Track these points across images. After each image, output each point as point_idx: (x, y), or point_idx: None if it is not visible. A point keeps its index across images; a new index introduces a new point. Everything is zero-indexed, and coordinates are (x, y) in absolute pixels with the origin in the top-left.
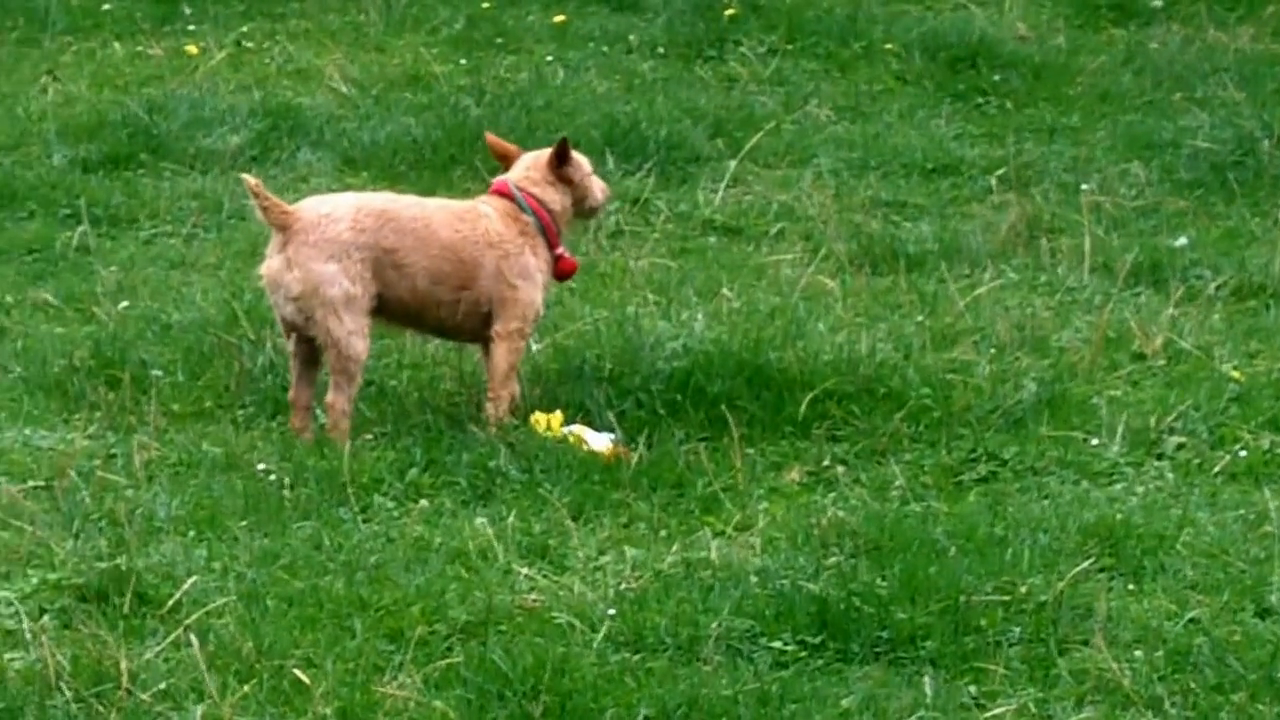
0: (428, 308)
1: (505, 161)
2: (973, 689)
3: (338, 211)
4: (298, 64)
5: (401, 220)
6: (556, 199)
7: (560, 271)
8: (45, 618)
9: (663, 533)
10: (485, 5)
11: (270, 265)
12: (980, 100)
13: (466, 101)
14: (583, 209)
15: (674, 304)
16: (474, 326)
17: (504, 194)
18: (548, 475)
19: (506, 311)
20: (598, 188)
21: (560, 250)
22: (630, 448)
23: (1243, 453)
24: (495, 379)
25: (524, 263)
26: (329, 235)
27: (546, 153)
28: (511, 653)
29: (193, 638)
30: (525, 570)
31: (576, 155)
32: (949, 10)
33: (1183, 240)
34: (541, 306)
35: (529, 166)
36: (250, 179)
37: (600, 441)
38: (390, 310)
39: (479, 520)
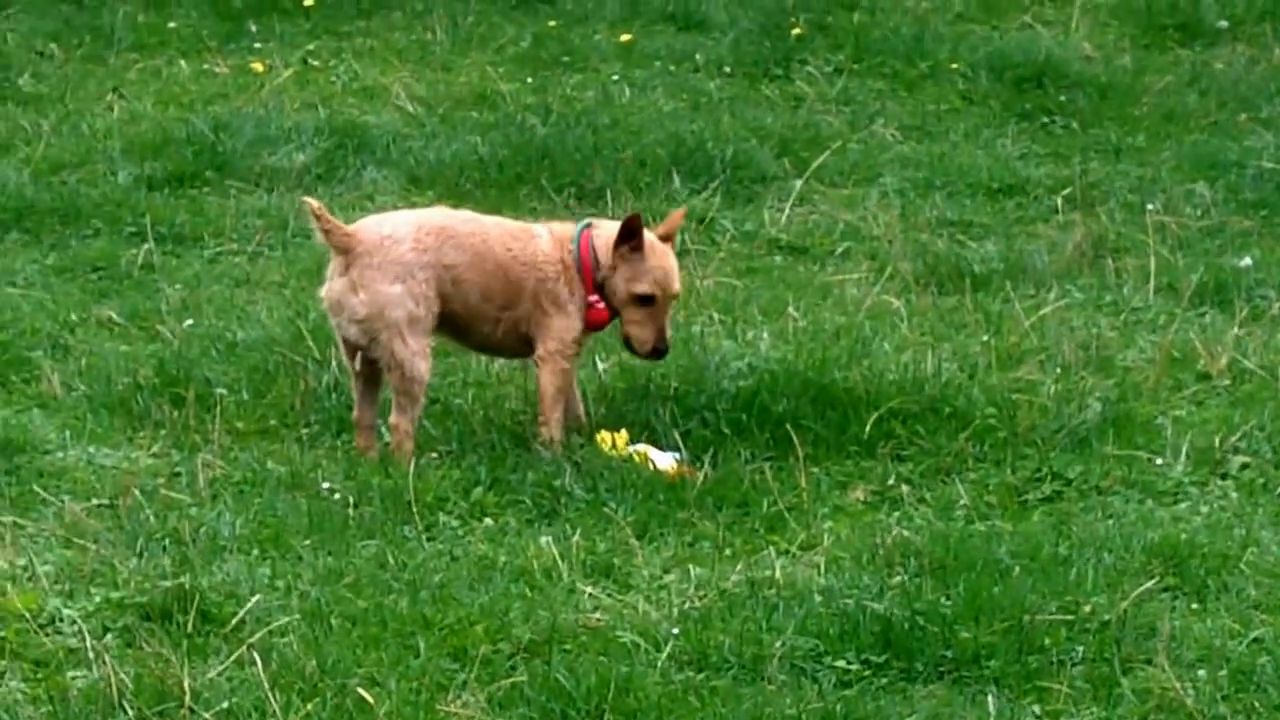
0: (475, 324)
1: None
2: (1036, 708)
3: (399, 232)
4: (364, 82)
5: (460, 236)
6: (608, 258)
7: (588, 319)
8: (109, 636)
9: (727, 551)
10: (552, 24)
11: (332, 288)
12: (1046, 120)
13: (532, 120)
14: (623, 291)
15: (739, 323)
16: (513, 345)
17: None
18: (612, 494)
19: (543, 334)
20: (650, 279)
21: (594, 298)
22: (695, 467)
23: None
24: (543, 403)
25: (557, 290)
26: (392, 257)
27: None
28: (575, 672)
29: (256, 656)
30: (589, 589)
31: (654, 245)
32: (1015, 30)
33: (1247, 260)
34: (580, 334)
35: (608, 225)
36: (312, 202)
37: (665, 460)
38: (442, 324)
39: (543, 539)
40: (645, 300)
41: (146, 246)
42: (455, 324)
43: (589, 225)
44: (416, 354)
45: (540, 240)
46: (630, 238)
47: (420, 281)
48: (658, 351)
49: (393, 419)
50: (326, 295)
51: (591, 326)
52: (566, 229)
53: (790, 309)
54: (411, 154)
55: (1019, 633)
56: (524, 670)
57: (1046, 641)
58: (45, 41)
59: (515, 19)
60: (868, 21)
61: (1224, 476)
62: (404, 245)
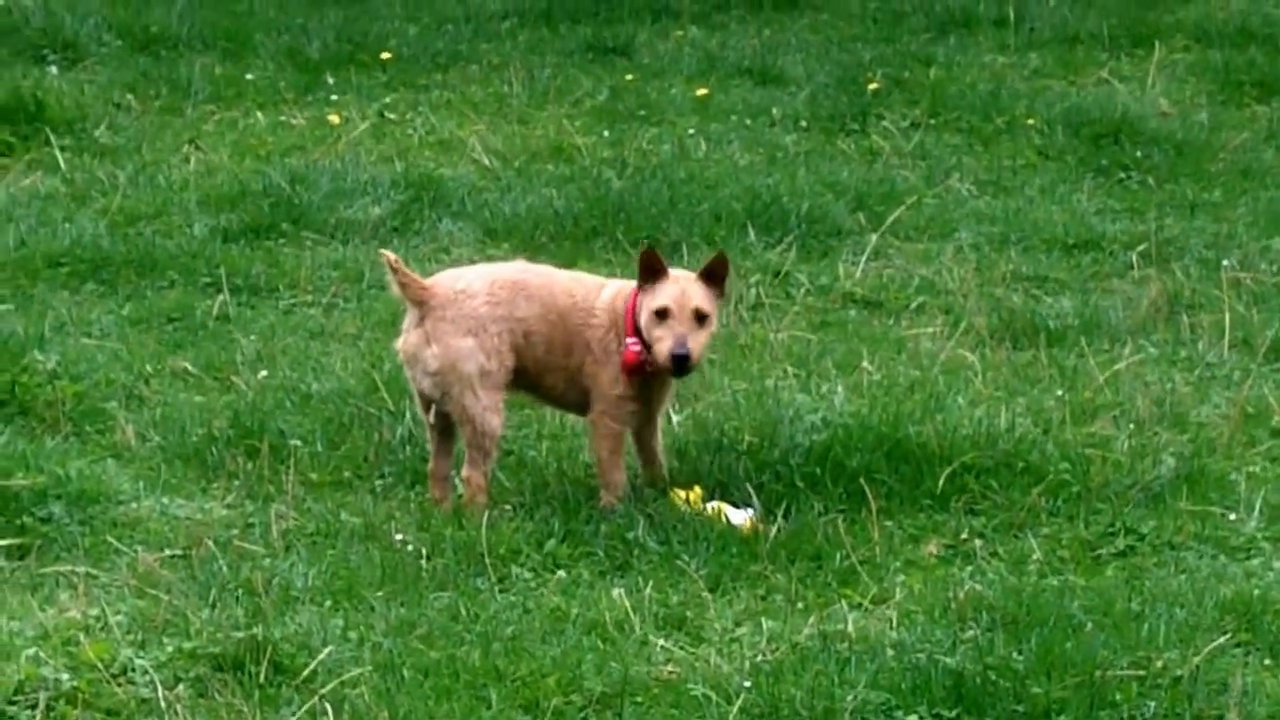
0: (543, 375)
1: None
2: None
3: (473, 286)
4: (440, 135)
5: (531, 288)
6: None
7: (623, 359)
8: (181, 686)
9: (800, 605)
10: (629, 77)
11: (407, 340)
12: (1122, 175)
13: (609, 174)
14: (646, 314)
15: (814, 377)
16: (578, 399)
17: None
18: (685, 547)
19: (594, 390)
20: (667, 295)
21: (631, 340)
22: (769, 522)
23: None
24: (599, 468)
25: (606, 341)
26: (466, 310)
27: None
28: None
29: (328, 707)
30: (662, 641)
31: (678, 274)
32: (1092, 85)
33: None
34: (626, 392)
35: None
36: (389, 254)
37: (739, 517)
38: (516, 377)
39: (616, 591)
40: (661, 314)
41: (222, 298)
42: (527, 377)
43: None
44: (488, 408)
45: (605, 290)
46: (649, 271)
47: (493, 335)
48: (676, 358)
49: (465, 472)
50: (402, 348)
51: (624, 366)
52: (631, 285)
53: (864, 363)
54: (487, 207)
55: (1091, 688)
56: None
57: (1118, 697)
58: (122, 93)
59: (592, 72)
60: (944, 77)
61: None
62: (477, 299)
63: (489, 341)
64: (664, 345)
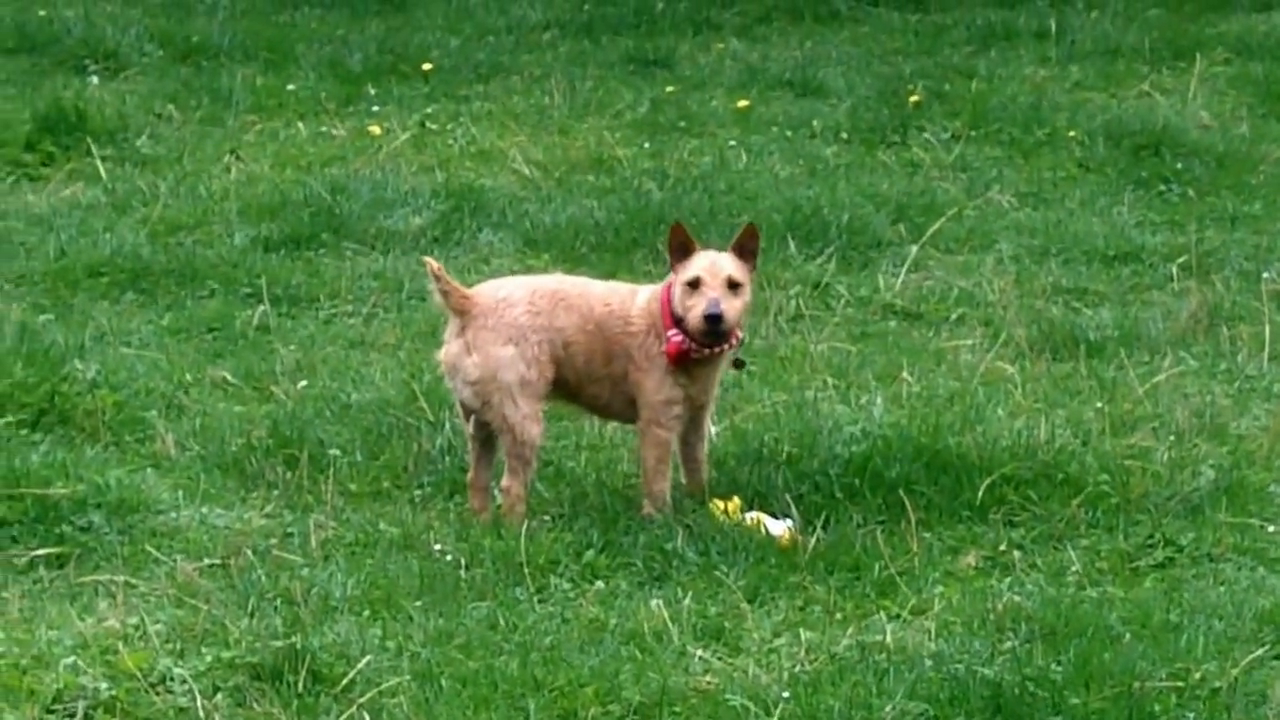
0: (584, 386)
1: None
2: None
3: (514, 295)
4: (481, 146)
5: (570, 299)
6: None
7: (667, 351)
8: (219, 696)
9: (838, 615)
10: (669, 89)
11: (449, 350)
12: (1162, 188)
13: (649, 185)
14: (678, 287)
15: (853, 388)
16: (621, 407)
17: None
18: (723, 557)
19: (640, 398)
20: (697, 267)
21: (671, 331)
22: (807, 535)
23: None
24: (644, 476)
25: (647, 345)
26: (506, 320)
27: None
28: None
29: (366, 717)
30: (700, 652)
31: (707, 250)
32: (1133, 98)
33: None
34: (672, 395)
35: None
36: (432, 262)
37: (778, 528)
38: (557, 388)
39: (654, 602)
40: (694, 284)
41: (262, 308)
42: (569, 389)
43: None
44: (528, 417)
45: (637, 297)
46: (679, 248)
47: (533, 344)
48: (710, 318)
49: (505, 482)
50: (444, 357)
51: (668, 357)
52: (661, 289)
53: (904, 374)
54: (528, 217)
55: (1129, 699)
56: None
57: (1157, 708)
58: (164, 103)
59: (633, 84)
60: (985, 89)
61: None
62: (518, 309)
63: (529, 351)
64: (697, 310)
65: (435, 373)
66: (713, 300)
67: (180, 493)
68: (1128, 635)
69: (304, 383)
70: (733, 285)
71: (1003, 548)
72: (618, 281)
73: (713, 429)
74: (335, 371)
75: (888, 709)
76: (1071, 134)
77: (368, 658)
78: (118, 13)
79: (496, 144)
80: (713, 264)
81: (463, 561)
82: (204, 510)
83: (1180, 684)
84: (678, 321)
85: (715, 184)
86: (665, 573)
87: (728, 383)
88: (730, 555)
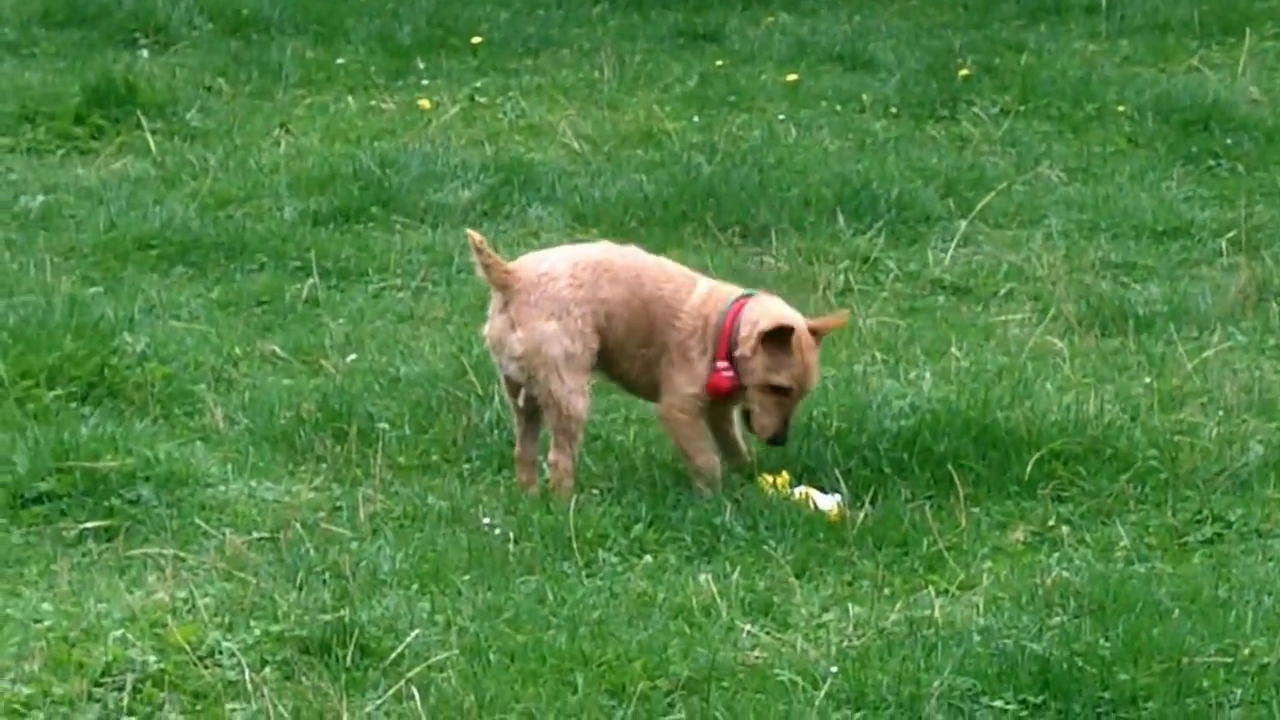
0: (617, 358)
1: None
2: None
3: (556, 269)
4: (530, 119)
5: (616, 270)
6: (750, 341)
7: (710, 383)
8: (267, 669)
9: (886, 591)
10: (719, 63)
11: (493, 325)
12: (1212, 163)
13: (698, 159)
14: (760, 377)
15: (902, 363)
16: (647, 387)
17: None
18: (772, 532)
19: (666, 385)
20: (790, 374)
21: (723, 364)
22: (855, 509)
23: None
24: (685, 458)
25: (688, 344)
26: (549, 293)
27: (783, 318)
28: (734, 709)
29: (414, 691)
30: (748, 627)
31: (801, 341)
32: (1182, 73)
33: None
34: (700, 393)
35: (769, 303)
36: (475, 235)
37: (827, 503)
38: (595, 358)
39: (702, 576)
40: (780, 390)
41: (311, 281)
42: (604, 358)
43: (749, 296)
44: (574, 391)
45: (696, 290)
46: (779, 339)
47: (576, 318)
48: (776, 440)
49: (552, 456)
50: (488, 333)
51: (711, 390)
52: (726, 291)
53: (953, 349)
54: (577, 191)
55: (1178, 675)
56: (682, 708)
57: (1205, 684)
58: (213, 77)
59: (682, 58)
60: (1035, 63)
61: None
62: (560, 282)
63: (573, 324)
64: (770, 426)
65: (484, 347)
66: (786, 421)
67: (229, 466)
68: (1176, 611)
69: (353, 356)
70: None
71: (1051, 523)
72: (674, 262)
73: None
74: (384, 345)
75: (935, 684)
76: (1121, 109)
77: (416, 632)
78: None
79: (546, 117)
80: (807, 374)
81: (511, 535)
82: (253, 484)
83: (1229, 660)
84: (731, 357)
85: (764, 158)
86: (713, 547)
87: None
88: (778, 530)
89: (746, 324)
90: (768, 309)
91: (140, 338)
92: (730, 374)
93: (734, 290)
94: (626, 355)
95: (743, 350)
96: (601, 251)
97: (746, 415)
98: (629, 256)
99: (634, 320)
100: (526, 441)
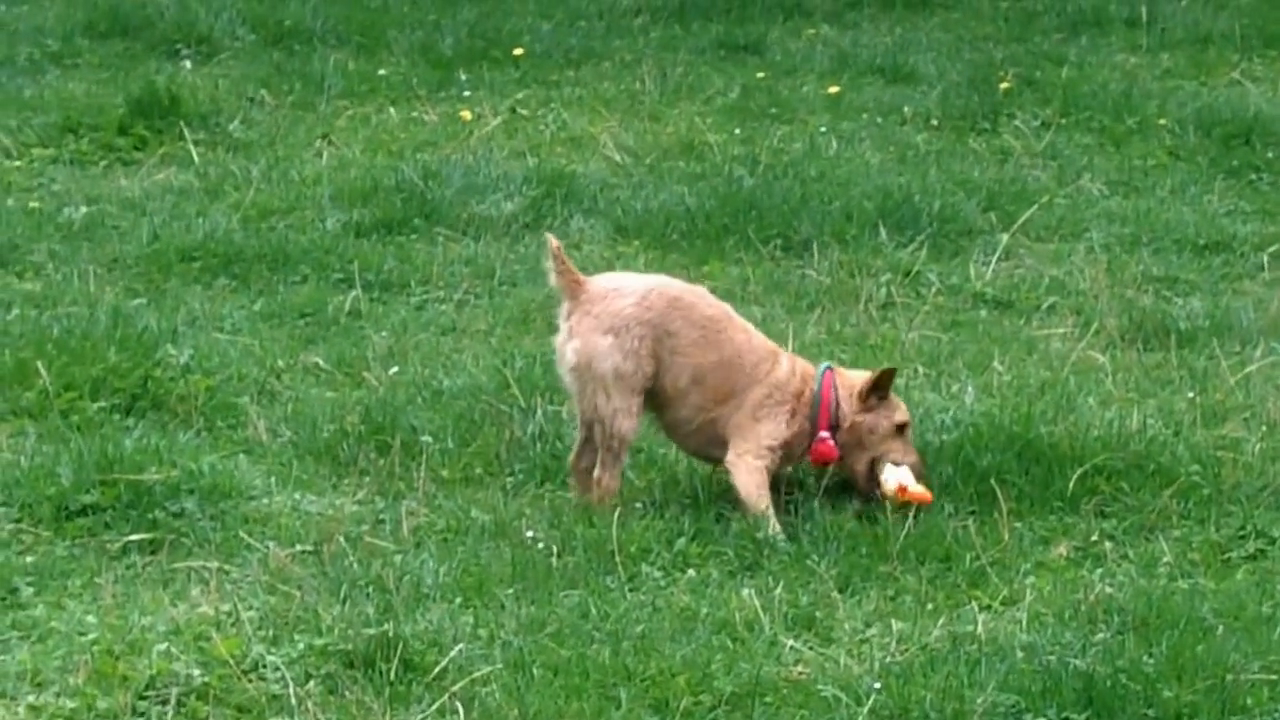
0: (673, 403)
1: None
2: None
3: (627, 287)
4: (572, 131)
5: (695, 311)
6: (848, 408)
7: (817, 452)
8: (311, 683)
9: (929, 606)
10: (760, 75)
11: (559, 334)
12: (1254, 177)
13: (740, 171)
14: (886, 426)
15: (944, 376)
16: (699, 443)
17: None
18: (815, 547)
19: (741, 435)
20: (903, 410)
21: (825, 434)
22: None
23: None
24: (747, 506)
25: (777, 412)
26: (611, 309)
27: (872, 371)
28: None
29: (458, 705)
30: (791, 642)
31: (898, 407)
32: (1224, 86)
33: None
34: (782, 443)
35: (844, 371)
36: (554, 240)
37: (894, 479)
38: (647, 392)
39: (746, 591)
40: (903, 427)
41: (354, 293)
42: (658, 397)
43: (829, 368)
44: (619, 410)
45: (781, 363)
46: (883, 384)
47: (634, 338)
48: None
49: (596, 473)
50: (556, 342)
51: (817, 459)
52: (806, 366)
53: (995, 363)
54: (619, 204)
55: (1222, 692)
56: None
57: (1249, 701)
58: (256, 88)
59: (724, 70)
60: (1076, 76)
61: None
62: (627, 300)
63: (629, 343)
64: (916, 462)
65: (527, 359)
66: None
67: (273, 479)
68: (1220, 627)
69: (396, 369)
70: None
71: (1094, 538)
72: (751, 325)
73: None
74: (427, 358)
75: (979, 700)
76: (1162, 122)
77: (459, 646)
78: None
79: (587, 129)
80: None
81: (555, 549)
82: (296, 496)
83: (1274, 677)
84: (833, 427)
85: (806, 170)
86: (757, 562)
87: None
88: (822, 545)
89: (843, 390)
90: (850, 375)
91: (184, 350)
92: (833, 443)
93: (809, 365)
94: (687, 404)
95: (855, 416)
96: (681, 289)
97: (871, 478)
98: (714, 307)
99: (709, 376)
100: (586, 451)
